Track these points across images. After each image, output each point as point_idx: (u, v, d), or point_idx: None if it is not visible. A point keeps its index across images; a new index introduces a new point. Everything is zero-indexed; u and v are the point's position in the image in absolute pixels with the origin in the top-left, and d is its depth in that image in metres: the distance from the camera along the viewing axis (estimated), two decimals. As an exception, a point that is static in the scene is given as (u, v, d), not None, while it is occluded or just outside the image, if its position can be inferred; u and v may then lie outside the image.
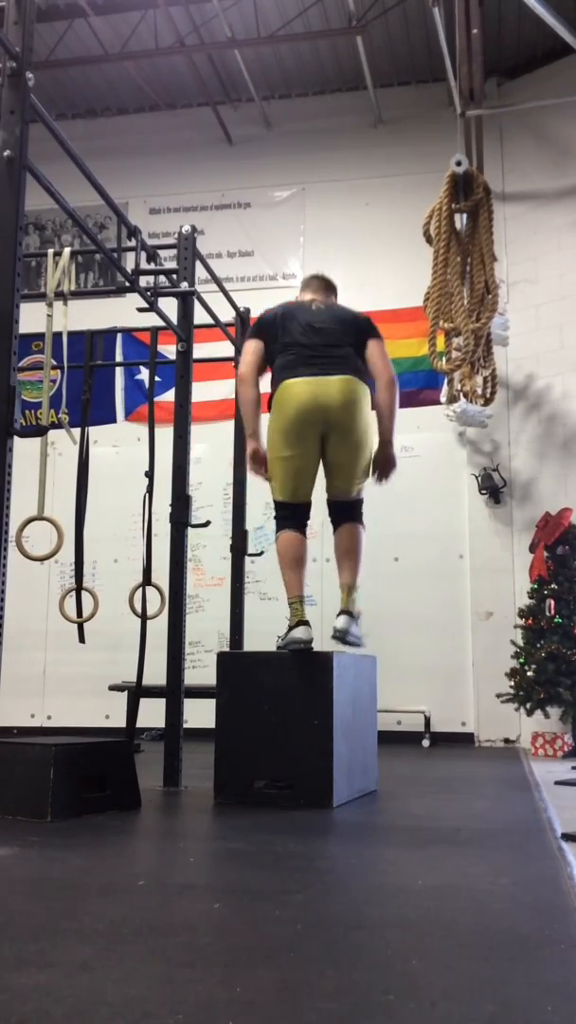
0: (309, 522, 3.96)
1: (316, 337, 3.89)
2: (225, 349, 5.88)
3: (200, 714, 5.09)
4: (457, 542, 7.78)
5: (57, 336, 3.95)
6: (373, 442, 4.00)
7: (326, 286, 4.25)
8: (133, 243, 4.29)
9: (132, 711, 4.66)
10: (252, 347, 4.03)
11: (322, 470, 3.98)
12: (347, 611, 3.82)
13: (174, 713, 4.27)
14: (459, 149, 6.84)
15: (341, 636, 3.78)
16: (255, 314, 5.99)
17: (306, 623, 3.73)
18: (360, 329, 3.98)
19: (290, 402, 3.81)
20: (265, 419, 3.98)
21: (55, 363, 3.96)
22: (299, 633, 3.68)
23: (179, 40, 7.91)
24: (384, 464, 4.00)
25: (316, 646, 3.80)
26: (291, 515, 3.91)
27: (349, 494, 3.94)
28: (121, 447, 8.07)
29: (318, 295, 4.17)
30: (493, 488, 7.70)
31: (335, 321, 3.96)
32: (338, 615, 3.84)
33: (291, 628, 3.72)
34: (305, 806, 3.48)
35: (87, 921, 1.83)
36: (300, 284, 4.34)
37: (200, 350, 5.04)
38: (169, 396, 4.95)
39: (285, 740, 3.64)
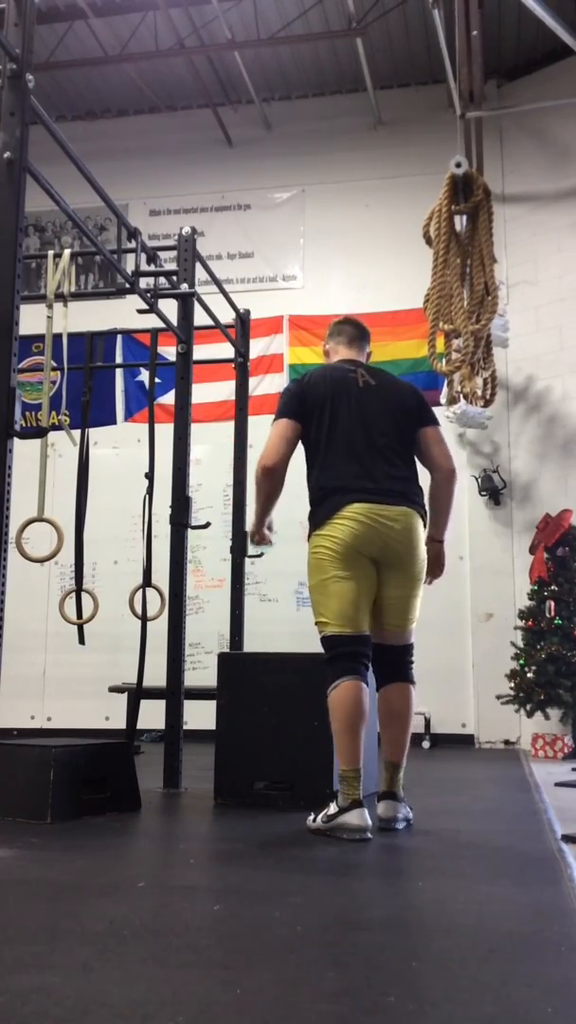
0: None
1: (367, 439, 3.26)
2: (225, 350, 5.88)
3: (200, 715, 5.09)
4: (457, 544, 7.76)
5: (57, 337, 3.95)
6: None
7: (361, 336, 3.57)
8: (133, 245, 4.30)
9: (132, 713, 4.66)
10: (286, 432, 3.28)
11: None
12: (392, 793, 3.15)
13: (174, 714, 4.27)
14: (459, 151, 6.83)
15: (388, 824, 3.12)
16: (255, 315, 6.04)
17: (361, 805, 2.94)
18: (417, 419, 3.43)
19: (346, 527, 3.15)
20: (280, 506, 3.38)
21: (55, 364, 3.96)
22: (354, 819, 2.91)
23: (179, 42, 7.91)
24: (433, 564, 3.39)
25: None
26: (352, 653, 3.08)
27: (403, 634, 3.25)
28: (121, 448, 8.07)
29: (352, 350, 3.52)
30: (493, 490, 7.70)
31: (389, 414, 3.34)
32: (380, 798, 3.19)
33: (342, 810, 2.94)
34: (305, 807, 3.46)
35: (87, 922, 1.83)
36: (330, 330, 3.62)
37: (200, 351, 5.04)
38: (169, 397, 4.95)
39: (285, 741, 3.64)
